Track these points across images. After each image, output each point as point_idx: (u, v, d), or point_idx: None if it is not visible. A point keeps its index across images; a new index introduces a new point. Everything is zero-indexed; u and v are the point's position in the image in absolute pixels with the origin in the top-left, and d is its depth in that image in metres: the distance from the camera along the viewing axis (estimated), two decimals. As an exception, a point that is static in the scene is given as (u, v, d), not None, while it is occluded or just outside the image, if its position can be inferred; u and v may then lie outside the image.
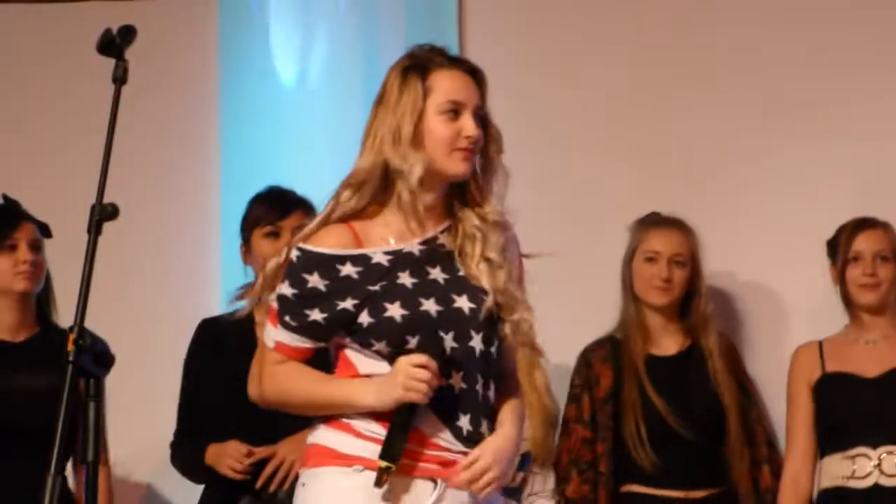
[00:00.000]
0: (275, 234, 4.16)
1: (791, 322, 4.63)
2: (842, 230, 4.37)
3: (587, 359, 4.41)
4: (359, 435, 2.98)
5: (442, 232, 3.10)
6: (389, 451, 2.91)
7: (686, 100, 4.87)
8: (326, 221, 3.03)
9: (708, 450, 4.34)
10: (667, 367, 4.38)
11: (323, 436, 3.03)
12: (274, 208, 4.19)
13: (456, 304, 3.00)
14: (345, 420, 3.00)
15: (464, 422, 3.00)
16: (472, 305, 3.01)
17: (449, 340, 2.98)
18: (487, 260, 3.05)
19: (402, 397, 2.91)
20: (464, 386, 3.00)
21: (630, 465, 4.33)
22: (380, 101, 3.08)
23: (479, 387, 3.02)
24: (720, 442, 4.35)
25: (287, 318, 2.99)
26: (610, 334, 4.45)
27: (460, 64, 3.11)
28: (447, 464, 2.97)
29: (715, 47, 4.87)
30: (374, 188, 3.04)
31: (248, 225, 4.23)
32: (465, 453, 2.97)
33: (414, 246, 3.05)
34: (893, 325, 4.36)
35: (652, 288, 4.41)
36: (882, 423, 4.21)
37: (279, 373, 3.02)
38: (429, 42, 3.13)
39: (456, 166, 3.04)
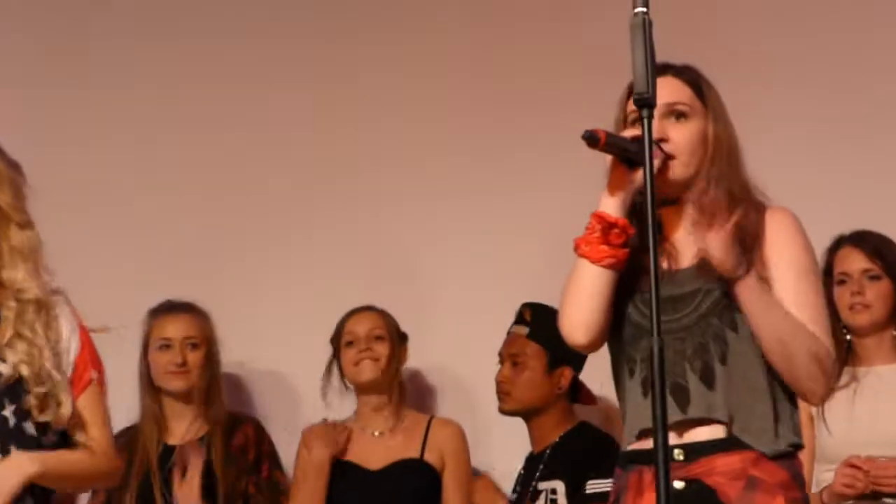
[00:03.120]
0: None
1: (305, 404, 4.77)
2: (339, 323, 4.58)
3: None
4: None
5: None
6: None
7: (206, 183, 4.96)
8: None
9: None
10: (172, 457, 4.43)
11: None
12: None
13: None
14: None
15: None
16: None
17: None
18: (19, 335, 3.10)
19: None
20: None
21: None
22: None
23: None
24: None
25: None
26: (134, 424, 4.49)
27: None
28: None
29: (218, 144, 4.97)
30: None
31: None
32: None
33: None
34: (396, 414, 4.54)
35: (167, 374, 4.48)
36: None
37: None
38: None
39: None
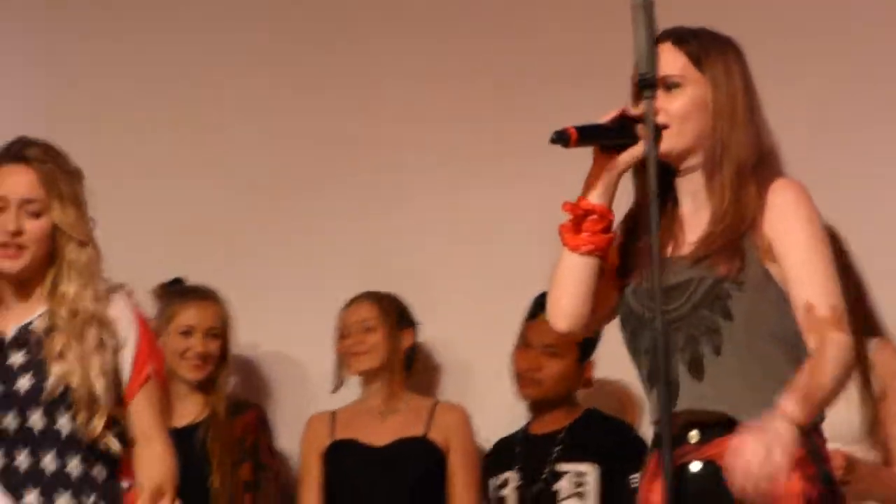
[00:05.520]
0: None
1: (313, 390, 4.77)
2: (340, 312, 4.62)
3: None
4: None
5: (41, 315, 3.21)
6: None
7: (208, 167, 4.99)
8: None
9: None
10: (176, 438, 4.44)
11: None
12: None
13: (16, 386, 3.13)
14: None
15: (32, 498, 3.11)
16: (32, 384, 3.13)
17: (10, 420, 3.12)
18: (69, 348, 3.15)
19: None
20: (28, 462, 3.12)
21: None
22: None
23: (48, 461, 3.13)
24: None
25: None
26: None
27: (9, 157, 3.22)
28: None
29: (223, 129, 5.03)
30: None
31: None
32: None
33: (10, 330, 3.21)
34: (402, 398, 4.57)
35: (185, 361, 4.50)
36: (384, 490, 4.44)
37: None
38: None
39: None
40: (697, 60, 2.86)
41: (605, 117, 2.80)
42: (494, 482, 4.44)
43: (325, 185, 4.97)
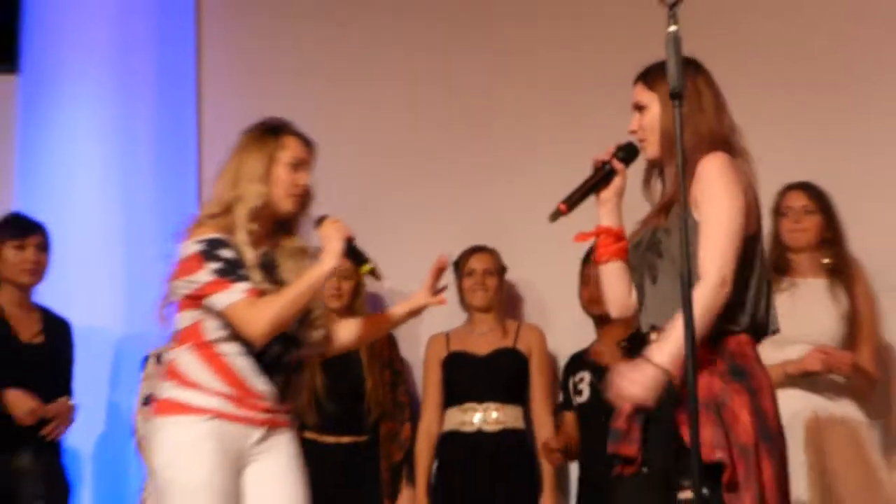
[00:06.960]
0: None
1: (426, 317, 5.46)
2: (461, 255, 5.69)
3: None
4: (205, 391, 3.71)
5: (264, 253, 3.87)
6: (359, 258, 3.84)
7: (359, 135, 5.88)
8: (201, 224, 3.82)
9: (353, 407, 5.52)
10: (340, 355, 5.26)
11: (174, 392, 3.71)
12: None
13: None
14: (192, 379, 3.71)
15: (277, 380, 3.88)
16: None
17: (276, 348, 3.87)
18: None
19: (340, 244, 3.73)
20: (279, 354, 3.87)
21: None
22: (239, 150, 3.86)
23: (286, 358, 3.92)
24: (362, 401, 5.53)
25: (238, 274, 3.71)
26: None
27: (292, 129, 3.92)
28: (268, 410, 3.82)
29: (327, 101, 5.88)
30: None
31: None
32: (276, 409, 3.80)
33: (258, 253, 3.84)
34: (498, 320, 5.71)
35: (329, 297, 5.51)
36: (486, 385, 5.57)
37: (261, 305, 3.69)
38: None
39: (289, 205, 3.87)
40: (650, 86, 3.57)
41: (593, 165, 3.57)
42: (574, 379, 5.63)
43: (443, 155, 5.85)
